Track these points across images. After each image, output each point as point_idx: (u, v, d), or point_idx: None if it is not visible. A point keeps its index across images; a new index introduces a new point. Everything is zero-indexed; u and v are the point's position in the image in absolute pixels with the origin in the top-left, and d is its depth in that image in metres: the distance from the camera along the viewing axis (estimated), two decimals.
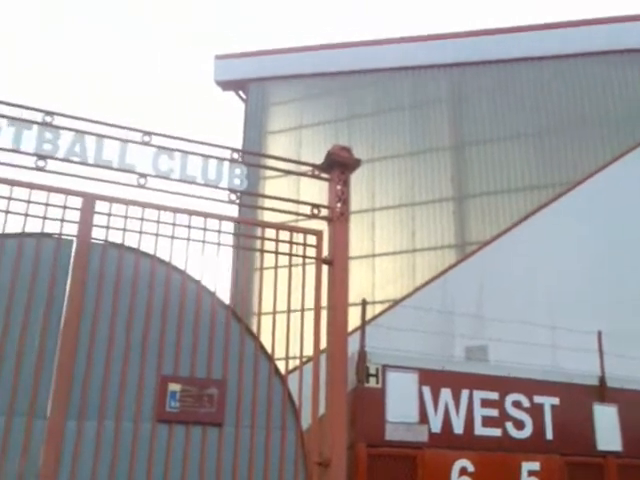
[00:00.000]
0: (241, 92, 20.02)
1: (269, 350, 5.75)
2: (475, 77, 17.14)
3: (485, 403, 6.56)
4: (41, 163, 5.62)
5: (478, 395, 6.55)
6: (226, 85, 19.84)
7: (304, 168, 6.84)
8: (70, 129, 5.85)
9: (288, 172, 7.25)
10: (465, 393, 6.51)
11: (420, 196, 16.79)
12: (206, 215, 5.87)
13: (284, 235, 6.13)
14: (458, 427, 6.37)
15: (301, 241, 6.15)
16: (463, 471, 6.21)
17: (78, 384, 5.05)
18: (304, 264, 6.06)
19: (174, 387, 5.24)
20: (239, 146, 16.99)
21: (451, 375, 6.56)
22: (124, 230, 5.65)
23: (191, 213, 5.82)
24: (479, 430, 6.45)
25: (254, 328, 5.82)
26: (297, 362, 5.76)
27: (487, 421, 6.51)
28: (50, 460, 4.78)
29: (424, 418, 6.27)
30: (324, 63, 18.93)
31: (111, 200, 5.72)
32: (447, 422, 6.35)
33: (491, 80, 16.95)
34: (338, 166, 6.39)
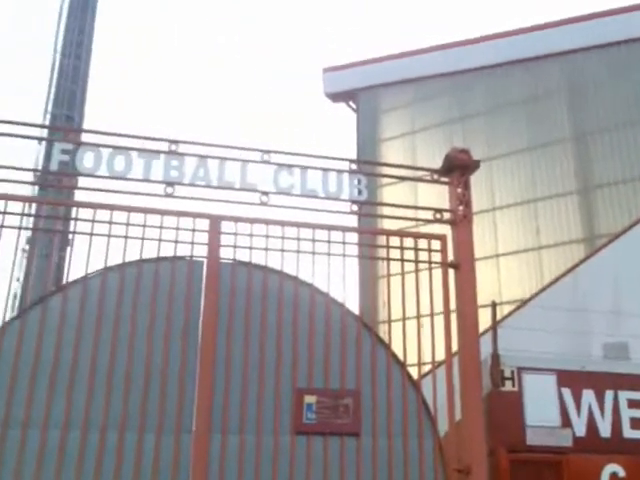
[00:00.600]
0: (351, 102, 20.16)
1: (400, 357, 5.73)
2: (592, 63, 16.45)
3: (632, 404, 6.24)
4: (169, 190, 5.89)
5: (624, 396, 6.25)
6: (336, 97, 20.04)
7: (421, 173, 6.79)
8: (193, 155, 6.09)
9: (407, 179, 7.24)
10: (609, 394, 6.23)
11: (542, 191, 16.28)
12: (330, 228, 5.94)
13: (408, 242, 6.11)
14: (604, 430, 6.10)
15: (425, 247, 6.10)
16: (614, 477, 5.94)
17: (219, 399, 5.23)
18: (430, 269, 6.01)
19: (310, 399, 5.33)
20: (352, 156, 17.07)
21: (592, 375, 6.30)
22: (250, 248, 5.82)
23: (315, 227, 5.91)
24: (628, 433, 6.15)
25: (382, 336, 5.84)
26: (427, 368, 5.71)
27: (636, 423, 6.19)
28: (199, 473, 4.97)
29: (566, 421, 6.05)
30: (432, 65, 18.77)
31: (236, 220, 5.90)
32: (592, 425, 6.09)
33: (609, 64, 16.22)
34: (458, 169, 6.31)
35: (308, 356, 5.50)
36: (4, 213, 5.48)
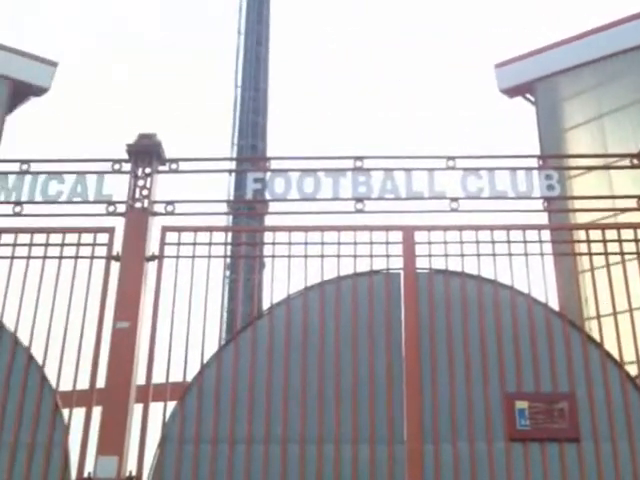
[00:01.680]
0: (528, 94, 19.50)
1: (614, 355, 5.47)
2: None
3: None
4: (359, 205, 6.07)
5: None
6: (512, 91, 19.47)
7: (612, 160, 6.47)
8: (379, 169, 6.24)
9: (600, 168, 6.92)
10: None
11: None
12: (525, 227, 5.83)
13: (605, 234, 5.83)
14: None
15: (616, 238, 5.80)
16: None
17: (428, 408, 5.28)
18: (623, 262, 5.71)
19: (521, 404, 5.22)
20: (535, 151, 16.48)
21: None
22: (446, 255, 5.84)
23: (510, 228, 5.83)
24: None
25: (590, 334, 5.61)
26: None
27: None
28: None
29: None
30: (616, 41, 17.68)
31: (429, 229, 5.95)
32: None
33: None
34: None
35: (515, 360, 5.40)
36: (210, 244, 5.94)
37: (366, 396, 5.33)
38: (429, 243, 5.90)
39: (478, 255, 5.79)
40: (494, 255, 5.77)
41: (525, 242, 5.78)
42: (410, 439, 5.17)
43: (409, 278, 5.75)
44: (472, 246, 5.84)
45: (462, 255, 5.81)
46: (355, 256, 5.89)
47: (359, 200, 6.10)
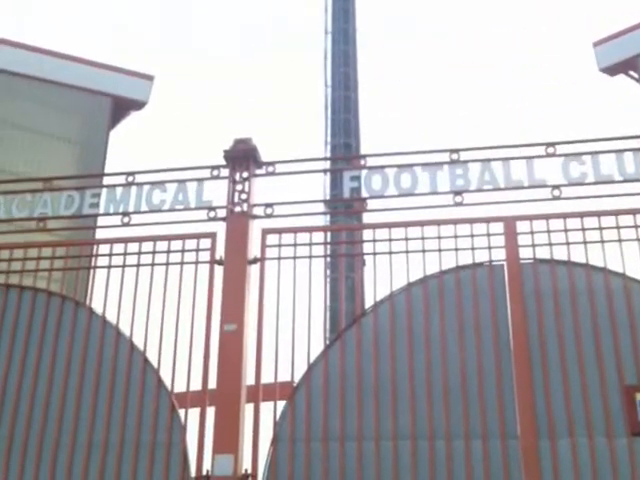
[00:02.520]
0: (631, 71, 18.72)
1: None
2: None
3: None
4: (458, 198, 6.03)
5: None
6: (613, 70, 18.74)
7: None
8: (476, 160, 6.17)
9: None
10: None
11: None
12: (635, 212, 5.64)
13: None
14: None
15: None
16: None
17: (540, 402, 5.17)
18: None
19: None
20: None
21: None
22: (550, 244, 5.72)
23: (619, 213, 5.65)
24: None
25: None
26: None
27: None
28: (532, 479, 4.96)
29: None
30: None
31: (531, 218, 5.84)
32: None
33: None
34: None
35: (633, 350, 5.23)
36: (310, 244, 6.04)
37: (475, 391, 5.28)
38: (531, 233, 5.79)
39: (585, 243, 5.64)
40: (602, 242, 5.61)
41: (637, 227, 5.60)
42: (524, 434, 5.08)
43: (513, 269, 5.66)
44: (577, 234, 5.69)
45: (567, 243, 5.67)
46: (457, 249, 5.85)
47: (457, 193, 6.05)
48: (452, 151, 6.19)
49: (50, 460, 5.53)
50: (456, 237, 5.89)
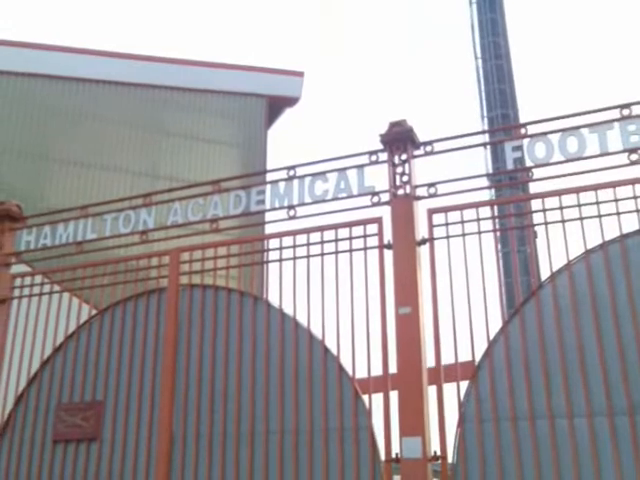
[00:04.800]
0: None
1: None
2: None
3: None
4: (633, 157, 5.46)
5: None
6: None
7: None
8: None
9: None
10: None
11: None
12: None
13: None
14: None
15: None
16: None
17: None
18: None
19: None
20: None
21: None
22: None
23: None
24: None
25: None
26: None
27: None
28: None
29: None
30: None
31: None
32: None
33: None
34: None
35: None
36: (478, 220, 5.70)
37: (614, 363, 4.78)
38: None
39: None
40: None
41: None
42: None
43: None
44: None
45: None
46: (638, 211, 5.29)
47: (632, 151, 5.49)
48: (622, 107, 5.62)
49: (247, 449, 5.62)
50: (635, 198, 5.32)
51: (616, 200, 5.37)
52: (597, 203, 5.42)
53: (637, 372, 4.79)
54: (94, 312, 6.80)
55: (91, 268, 7.04)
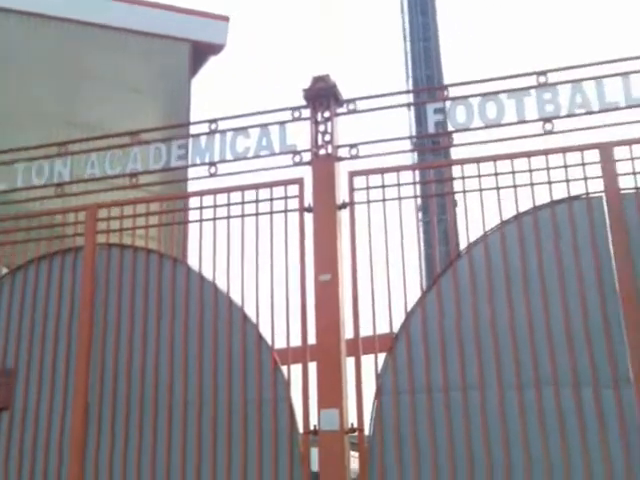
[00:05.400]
0: None
1: None
2: None
3: None
4: (548, 126, 5.43)
5: None
6: None
7: None
8: (566, 82, 5.48)
9: None
10: None
11: None
12: None
13: None
14: None
15: None
16: None
17: None
18: None
19: None
20: None
21: None
22: None
23: None
24: None
25: None
26: None
27: None
28: None
29: None
30: None
31: (630, 143, 5.17)
32: None
33: None
34: None
35: None
36: (399, 185, 5.54)
37: (581, 335, 4.82)
38: (632, 159, 5.13)
39: None
40: None
41: None
42: (638, 379, 4.61)
43: (613, 201, 5.06)
44: None
45: None
46: (550, 182, 5.27)
47: (547, 120, 5.43)
48: (539, 73, 5.55)
49: (165, 419, 5.45)
50: (548, 169, 5.28)
51: (530, 171, 5.32)
52: (512, 172, 5.35)
53: (544, 346, 4.85)
54: (4, 271, 6.37)
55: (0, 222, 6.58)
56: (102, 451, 5.48)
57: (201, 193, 6.04)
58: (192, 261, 5.92)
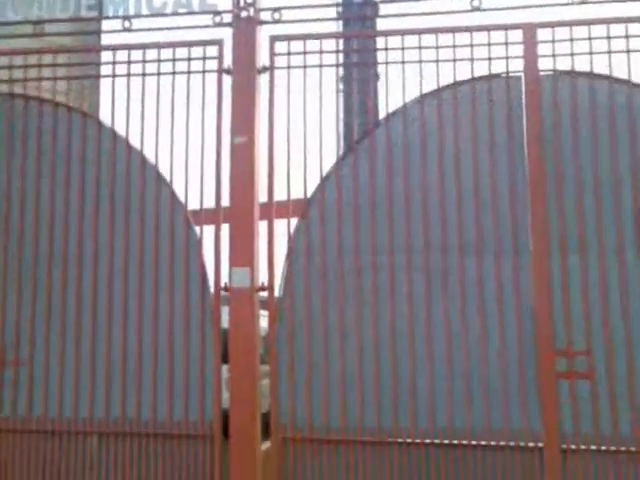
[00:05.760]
0: None
1: None
2: None
3: None
4: (475, 2, 5.28)
5: None
6: None
7: None
8: None
9: None
10: None
11: None
12: None
13: None
14: None
15: None
16: None
17: (554, 219, 4.85)
18: None
19: None
20: None
21: None
22: (572, 55, 5.05)
23: None
24: None
25: None
26: None
27: None
28: (542, 295, 4.76)
29: None
30: None
31: (553, 25, 5.12)
32: None
33: None
34: None
35: None
36: (321, 52, 5.34)
37: (488, 206, 4.94)
38: (553, 42, 5.11)
39: (609, 53, 4.97)
40: (628, 52, 4.95)
41: None
42: (536, 250, 4.82)
43: (531, 81, 5.07)
44: (603, 43, 5.00)
45: (591, 53, 5.01)
46: (472, 59, 5.20)
47: None
48: None
49: (75, 275, 5.30)
50: (472, 46, 5.19)
51: (454, 46, 5.22)
52: (436, 47, 5.24)
53: (454, 215, 4.97)
54: None
55: None
56: (8, 309, 5.32)
57: (114, 47, 5.63)
58: (104, 118, 5.61)
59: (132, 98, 5.49)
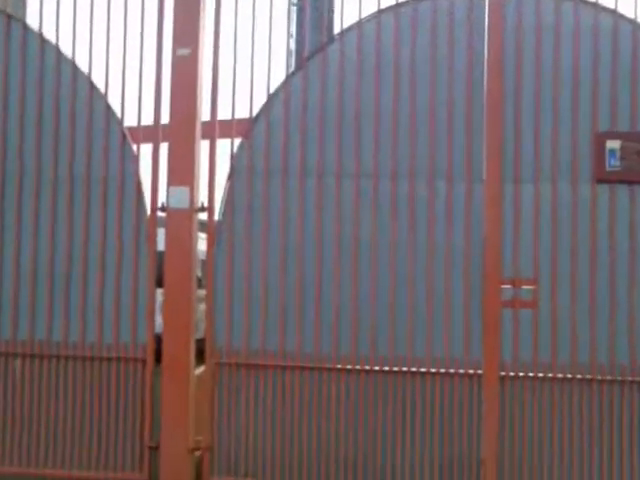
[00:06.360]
0: None
1: None
2: None
3: None
4: None
5: None
6: None
7: None
8: None
9: None
10: None
11: None
12: None
13: None
14: None
15: None
16: None
17: (510, 145, 4.59)
18: None
19: (612, 144, 4.45)
20: None
21: None
22: None
23: None
24: None
25: None
26: None
27: None
28: (493, 224, 4.54)
29: None
30: None
31: None
32: None
33: None
34: None
35: (610, 96, 4.55)
36: None
37: (444, 131, 4.64)
38: None
39: None
40: None
41: None
42: (489, 178, 4.57)
43: (495, 3, 4.68)
44: None
45: None
46: None
47: None
48: None
49: None
50: None
51: None
52: None
53: (406, 139, 4.66)
54: None
55: None
56: None
57: None
58: (31, 21, 5.04)
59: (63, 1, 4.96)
